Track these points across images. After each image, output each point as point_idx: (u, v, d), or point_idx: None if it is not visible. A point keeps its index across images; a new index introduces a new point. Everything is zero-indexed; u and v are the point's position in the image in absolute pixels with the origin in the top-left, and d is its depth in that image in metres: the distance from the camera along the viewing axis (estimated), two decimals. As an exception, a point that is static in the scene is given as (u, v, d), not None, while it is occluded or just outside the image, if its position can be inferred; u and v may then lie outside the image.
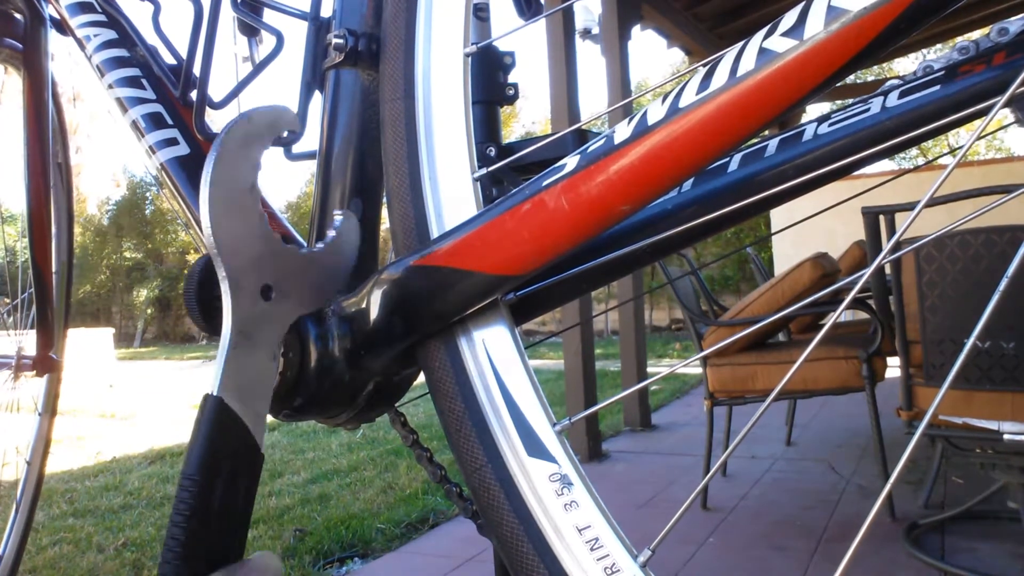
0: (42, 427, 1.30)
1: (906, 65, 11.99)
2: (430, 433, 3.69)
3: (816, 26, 0.34)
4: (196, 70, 0.75)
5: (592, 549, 0.43)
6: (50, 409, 1.31)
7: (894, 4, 0.32)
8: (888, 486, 0.37)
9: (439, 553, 2.08)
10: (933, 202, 0.37)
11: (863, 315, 3.06)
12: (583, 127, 0.75)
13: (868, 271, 0.36)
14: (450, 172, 0.52)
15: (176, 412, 5.43)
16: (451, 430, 0.49)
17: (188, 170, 0.76)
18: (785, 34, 0.35)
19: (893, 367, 2.05)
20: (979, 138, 0.35)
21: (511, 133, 15.90)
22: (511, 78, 0.93)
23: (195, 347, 15.72)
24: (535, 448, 0.46)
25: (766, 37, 0.36)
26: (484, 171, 0.52)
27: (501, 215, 0.46)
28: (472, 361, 0.49)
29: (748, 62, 0.36)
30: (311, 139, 0.68)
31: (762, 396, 2.25)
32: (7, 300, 1.44)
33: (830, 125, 0.46)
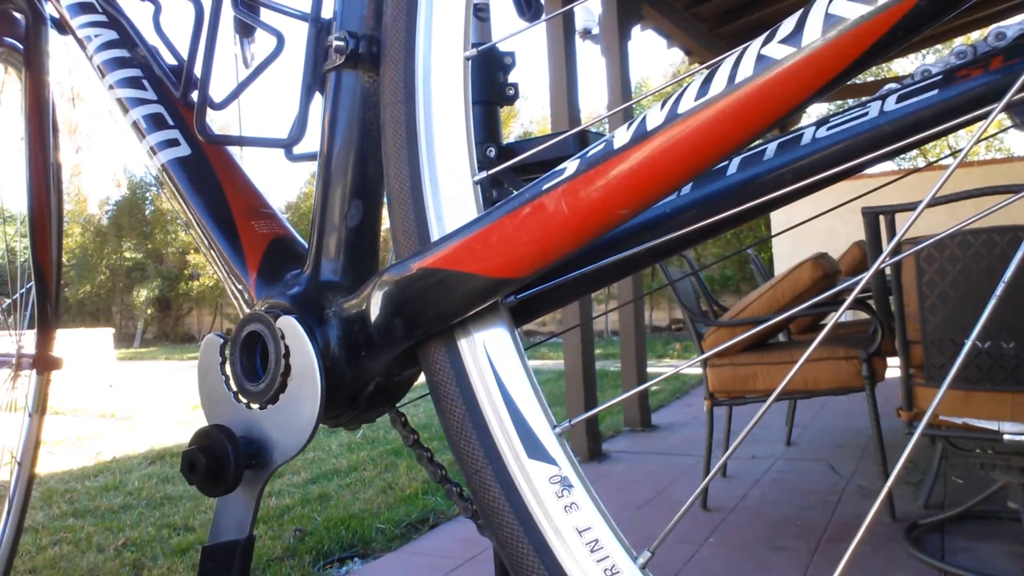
0: (32, 427, 1.29)
1: (905, 65, 12.00)
2: (430, 433, 3.70)
3: (814, 33, 0.34)
4: (197, 71, 0.75)
5: (592, 551, 0.44)
6: (40, 409, 1.31)
7: (891, 11, 0.32)
8: (888, 486, 0.37)
9: (439, 553, 2.08)
10: (934, 202, 0.38)
11: (863, 315, 3.07)
12: (586, 128, 0.76)
13: (869, 272, 0.36)
14: (450, 175, 0.52)
15: (176, 412, 5.43)
16: (452, 432, 0.49)
17: (189, 171, 0.76)
18: (783, 41, 0.35)
19: (893, 367, 2.06)
20: (978, 141, 0.35)
21: (511, 133, 15.89)
22: (511, 78, 0.93)
23: (195, 347, 15.71)
24: (535, 450, 0.46)
25: (764, 44, 0.36)
26: (485, 174, 0.52)
27: (501, 218, 0.46)
28: (473, 363, 0.49)
29: (746, 68, 0.36)
30: (312, 140, 0.68)
31: (762, 396, 2.25)
32: (4, 299, 1.44)
33: (828, 129, 0.47)
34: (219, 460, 0.59)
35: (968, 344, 0.38)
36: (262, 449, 0.61)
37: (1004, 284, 0.32)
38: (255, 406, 0.61)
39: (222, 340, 0.65)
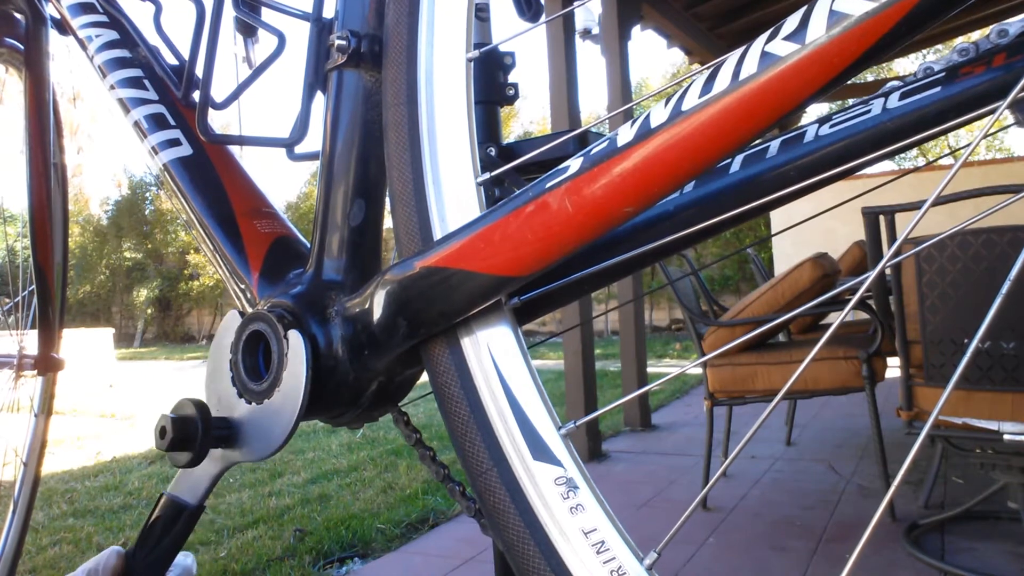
0: (38, 427, 1.29)
1: (906, 65, 12.00)
2: (431, 432, 3.70)
3: (818, 30, 0.34)
4: (198, 71, 0.75)
5: (598, 552, 0.44)
6: (46, 409, 1.31)
7: (895, 8, 0.32)
8: (892, 489, 0.37)
9: (439, 553, 2.08)
10: (936, 202, 0.38)
11: (863, 315, 3.07)
12: (590, 129, 0.76)
13: (874, 272, 0.36)
14: (453, 177, 0.52)
15: (176, 412, 5.41)
16: (456, 433, 0.49)
17: (191, 171, 0.76)
18: (787, 38, 0.35)
19: (893, 367, 2.06)
20: (984, 137, 0.35)
21: (511, 133, 15.88)
22: (511, 78, 0.93)
23: (195, 347, 15.72)
24: (540, 452, 0.46)
25: (768, 41, 0.36)
26: (488, 175, 0.52)
27: (504, 217, 0.46)
28: (476, 364, 0.49)
29: (751, 65, 0.36)
30: (314, 140, 0.68)
31: (762, 396, 2.25)
32: (7, 300, 1.44)
33: (831, 126, 0.47)
34: (187, 437, 0.62)
35: (973, 344, 0.38)
36: (233, 439, 0.64)
37: (1010, 282, 0.32)
38: (245, 399, 0.63)
39: (237, 334, 0.66)
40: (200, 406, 0.63)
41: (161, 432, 0.61)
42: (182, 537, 0.67)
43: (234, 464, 0.66)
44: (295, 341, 0.59)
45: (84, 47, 0.87)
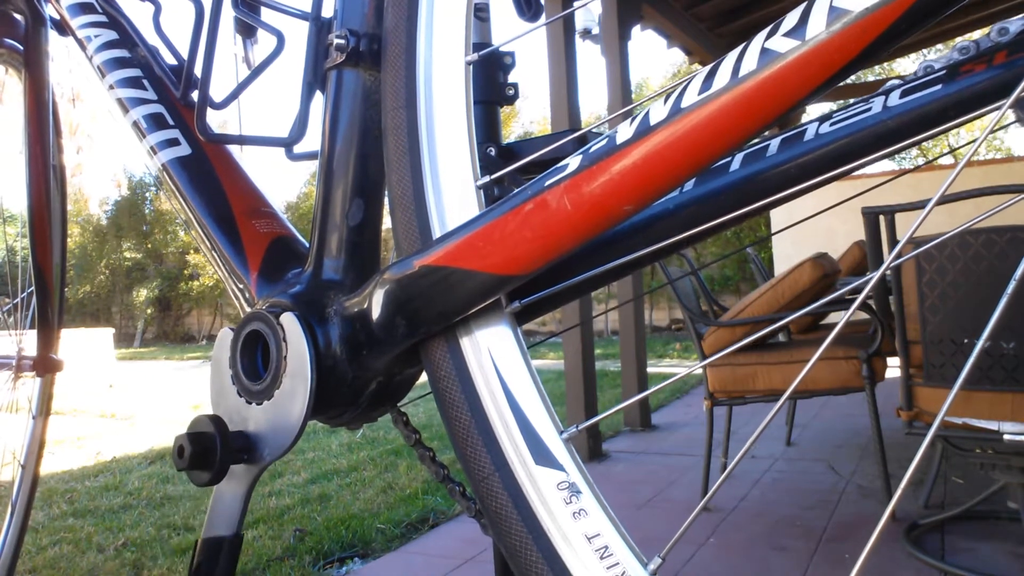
0: (36, 428, 1.29)
1: (907, 66, 12.00)
2: (431, 433, 3.69)
3: (818, 26, 0.34)
4: (197, 70, 0.75)
5: (602, 558, 0.43)
6: (44, 410, 1.31)
7: (896, 4, 0.32)
8: (898, 493, 0.37)
9: (439, 553, 2.08)
10: (937, 202, 0.37)
11: (863, 315, 3.07)
12: (591, 130, 0.75)
13: (879, 272, 0.36)
14: (453, 181, 0.52)
15: (176, 412, 5.43)
16: (457, 438, 0.49)
17: (189, 171, 0.76)
18: (787, 34, 0.35)
19: (893, 367, 2.05)
20: (990, 132, 0.35)
21: (511, 133, 15.87)
22: (511, 78, 0.93)
23: (195, 347, 15.71)
24: (543, 457, 0.46)
25: (768, 37, 0.36)
26: (487, 179, 0.52)
27: (503, 215, 0.46)
28: (477, 367, 0.49)
29: (750, 62, 0.36)
30: (313, 139, 0.68)
31: (762, 396, 2.25)
32: (7, 300, 1.44)
33: (831, 124, 0.46)
34: (206, 450, 0.60)
35: (977, 348, 0.37)
36: (253, 445, 0.62)
37: (1015, 282, 0.32)
38: (253, 403, 0.62)
39: (235, 334, 0.65)
40: (216, 420, 0.62)
41: (179, 452, 0.60)
42: (230, 570, 0.66)
43: (256, 476, 0.64)
44: (296, 340, 0.58)
45: (83, 47, 0.87)
